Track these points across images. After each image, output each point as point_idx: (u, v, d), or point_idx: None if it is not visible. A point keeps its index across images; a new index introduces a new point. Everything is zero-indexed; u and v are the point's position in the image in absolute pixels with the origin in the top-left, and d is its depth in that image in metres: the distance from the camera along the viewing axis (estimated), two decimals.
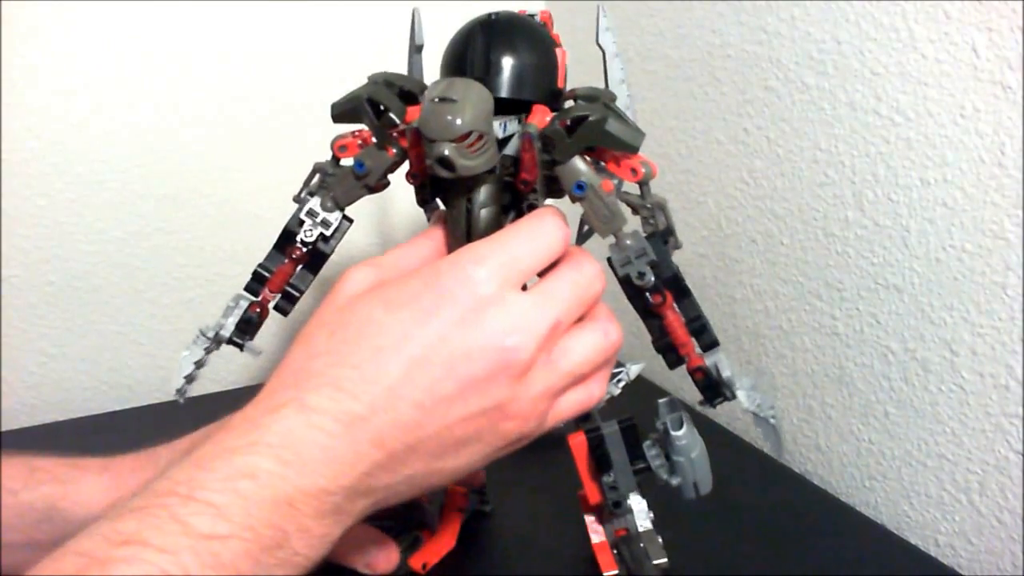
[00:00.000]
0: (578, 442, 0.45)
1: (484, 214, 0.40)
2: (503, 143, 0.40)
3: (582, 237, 0.44)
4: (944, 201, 0.53)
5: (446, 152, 0.36)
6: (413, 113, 0.40)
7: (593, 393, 0.39)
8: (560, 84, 0.41)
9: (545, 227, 0.38)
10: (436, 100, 0.36)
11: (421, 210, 0.46)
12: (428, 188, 0.42)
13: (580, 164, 0.39)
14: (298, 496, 0.32)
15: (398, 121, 0.42)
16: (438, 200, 0.44)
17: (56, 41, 0.71)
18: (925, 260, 0.55)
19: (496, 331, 0.34)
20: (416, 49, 0.45)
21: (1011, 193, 0.49)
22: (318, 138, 0.46)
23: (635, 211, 0.42)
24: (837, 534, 0.58)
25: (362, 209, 0.45)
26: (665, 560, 0.44)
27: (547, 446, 0.66)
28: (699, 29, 0.69)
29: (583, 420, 0.46)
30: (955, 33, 0.50)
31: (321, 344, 0.35)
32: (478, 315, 0.34)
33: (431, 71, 0.43)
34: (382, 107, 0.41)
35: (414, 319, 0.34)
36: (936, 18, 0.51)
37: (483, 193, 0.39)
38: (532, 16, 0.42)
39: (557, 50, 0.41)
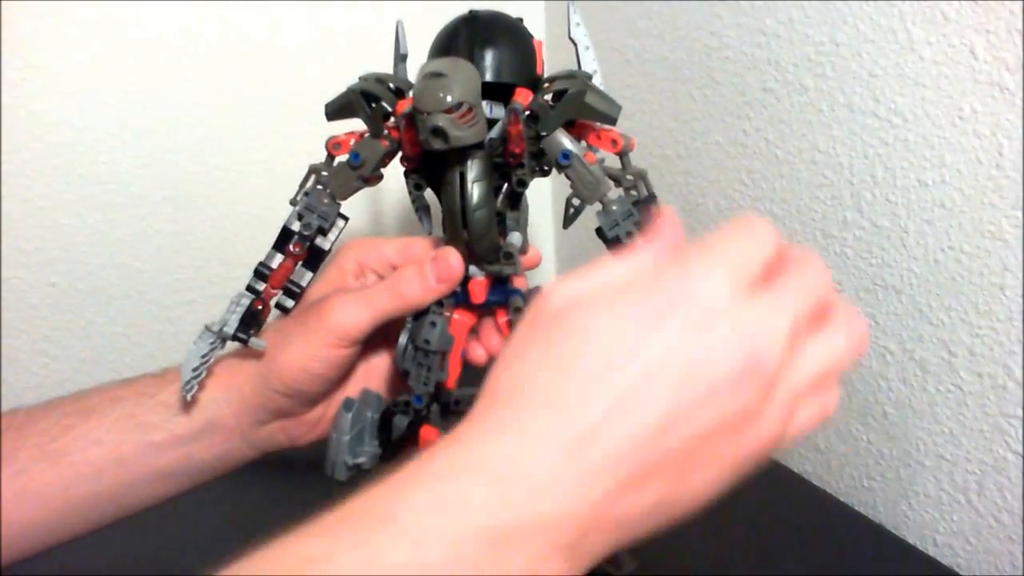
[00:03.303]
0: None
1: (477, 189, 0.42)
2: (490, 125, 0.42)
3: (569, 219, 0.46)
4: (942, 202, 0.53)
5: (440, 123, 0.38)
6: (403, 104, 0.43)
7: (828, 403, 0.34)
8: (539, 71, 0.45)
9: (759, 228, 0.34)
10: (428, 76, 0.39)
11: (412, 206, 0.47)
12: (422, 173, 0.45)
13: (563, 136, 0.43)
14: (516, 531, 0.28)
15: (390, 110, 0.44)
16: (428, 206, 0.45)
17: (57, 42, 0.71)
18: (923, 261, 0.55)
19: (739, 333, 0.31)
20: (401, 58, 0.47)
21: (1009, 194, 0.49)
22: (319, 139, 0.47)
23: (618, 183, 0.44)
24: (836, 534, 0.58)
25: (355, 208, 0.46)
26: None
27: None
28: (697, 31, 0.69)
29: None
30: (953, 35, 0.50)
31: (536, 360, 0.31)
32: (714, 318, 0.31)
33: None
34: (374, 101, 0.44)
35: (643, 326, 0.31)
36: (934, 20, 0.51)
37: (475, 169, 0.42)
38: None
39: (534, 41, 0.45)
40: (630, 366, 0.30)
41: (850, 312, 0.35)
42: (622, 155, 0.44)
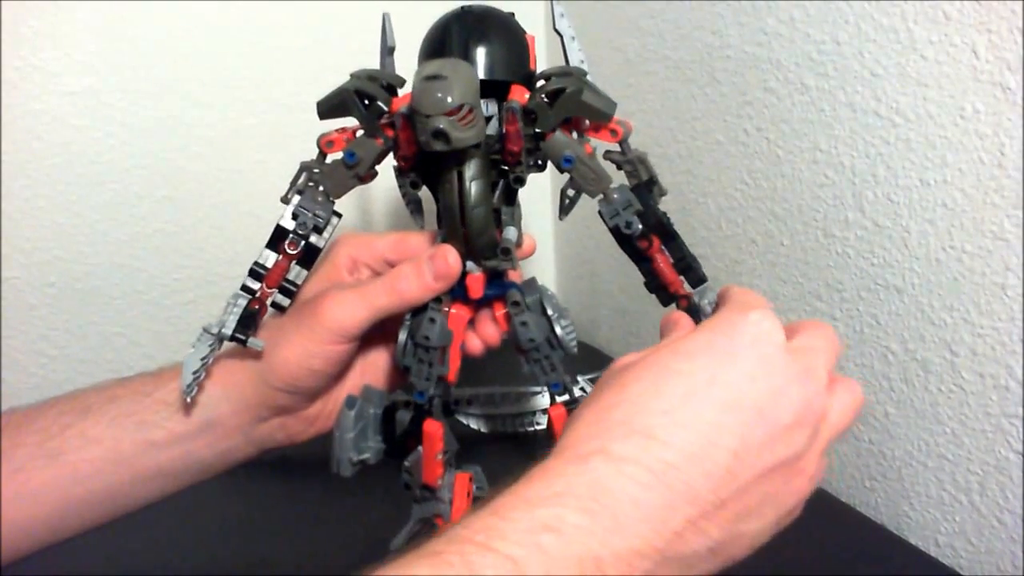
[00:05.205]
0: (558, 414, 0.47)
1: (475, 187, 0.42)
2: (486, 122, 0.42)
3: (565, 209, 0.46)
4: (944, 202, 0.53)
5: (441, 125, 0.38)
6: (398, 103, 0.43)
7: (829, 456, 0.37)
8: (532, 66, 0.45)
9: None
10: (427, 78, 0.38)
11: (402, 201, 0.47)
12: (418, 171, 0.45)
13: (563, 138, 0.43)
14: (607, 556, 0.29)
15: (385, 109, 0.44)
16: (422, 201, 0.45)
17: (56, 42, 0.71)
18: (925, 261, 0.55)
19: (796, 375, 0.33)
20: (388, 51, 0.47)
21: (1011, 194, 0.49)
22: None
23: (619, 167, 0.45)
24: (837, 534, 0.58)
25: (343, 202, 0.46)
26: None
27: (538, 443, 0.66)
28: (699, 30, 0.69)
29: (561, 393, 0.47)
30: (955, 34, 0.50)
31: (614, 396, 0.33)
32: (774, 361, 0.33)
33: (403, 72, 0.45)
34: (367, 99, 0.44)
35: (717, 363, 0.33)
36: (936, 19, 0.51)
37: (473, 167, 0.42)
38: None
39: (526, 36, 0.45)
40: (711, 399, 0.32)
41: (848, 379, 0.37)
42: (622, 143, 0.44)
